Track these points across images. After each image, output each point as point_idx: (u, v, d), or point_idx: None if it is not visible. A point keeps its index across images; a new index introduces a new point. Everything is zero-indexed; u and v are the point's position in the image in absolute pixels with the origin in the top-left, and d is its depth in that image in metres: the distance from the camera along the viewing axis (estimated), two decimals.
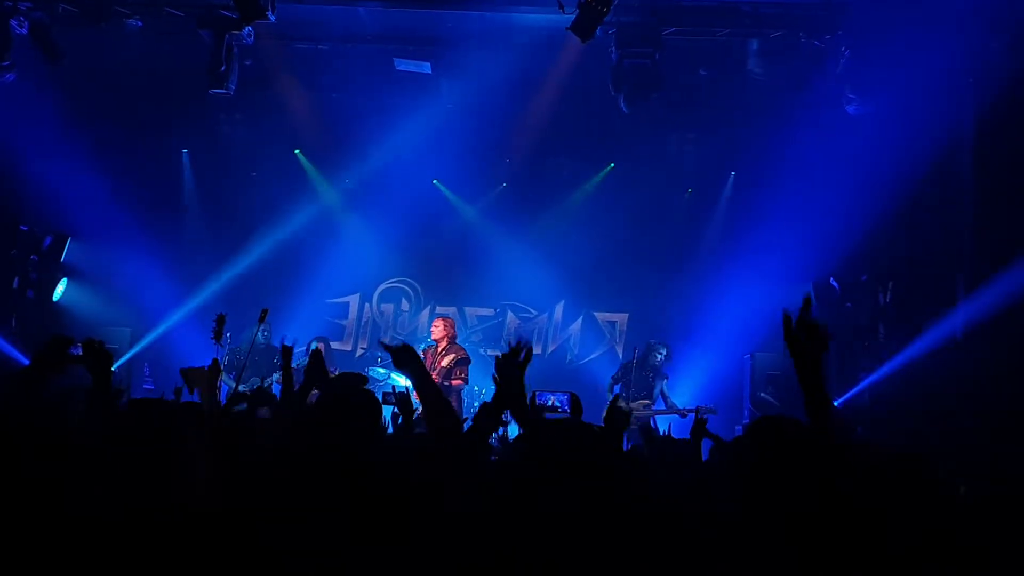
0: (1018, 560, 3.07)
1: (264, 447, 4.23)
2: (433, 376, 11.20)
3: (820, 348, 3.14)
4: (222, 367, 11.33)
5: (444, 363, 11.64)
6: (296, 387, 5.01)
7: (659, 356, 12.60)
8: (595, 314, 15.20)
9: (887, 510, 3.09)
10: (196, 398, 5.92)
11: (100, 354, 4.18)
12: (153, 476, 3.33)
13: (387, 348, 3.86)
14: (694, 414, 11.77)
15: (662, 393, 12.45)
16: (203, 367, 5.14)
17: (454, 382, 11.60)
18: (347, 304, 15.31)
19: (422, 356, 11.68)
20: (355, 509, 3.15)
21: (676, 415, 12.06)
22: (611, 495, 3.09)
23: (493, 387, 3.72)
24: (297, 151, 14.84)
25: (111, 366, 4.24)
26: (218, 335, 7.65)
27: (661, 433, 7.42)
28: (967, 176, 10.74)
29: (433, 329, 11.90)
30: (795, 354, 3.15)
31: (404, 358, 3.83)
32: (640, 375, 12.38)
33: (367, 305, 15.34)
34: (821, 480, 2.85)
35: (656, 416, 12.21)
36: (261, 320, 9.03)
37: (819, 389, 3.10)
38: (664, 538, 3.03)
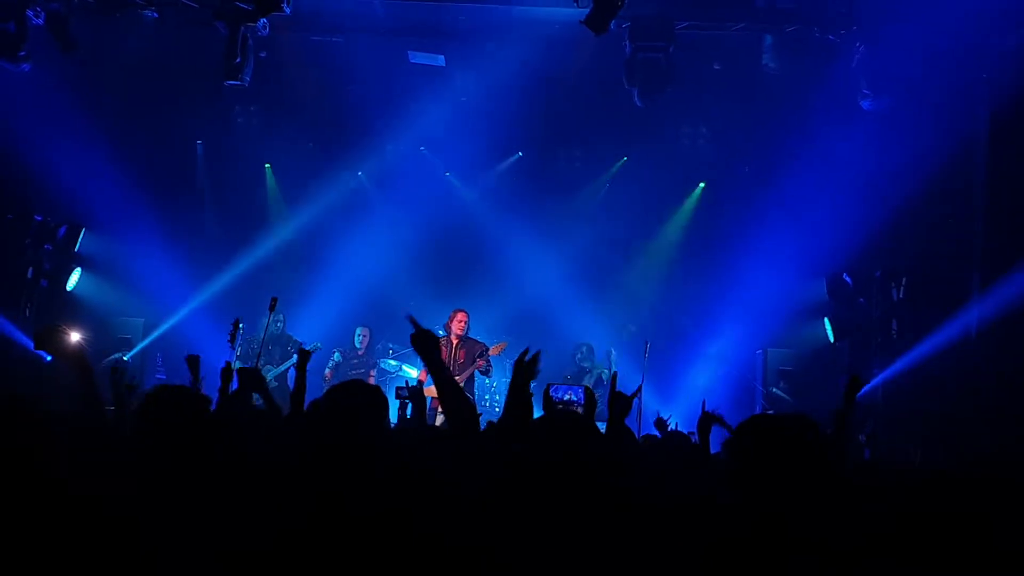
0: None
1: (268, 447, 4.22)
2: (453, 371, 11.27)
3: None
4: (236, 356, 11.52)
5: (462, 359, 11.64)
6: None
7: (578, 356, 13.08)
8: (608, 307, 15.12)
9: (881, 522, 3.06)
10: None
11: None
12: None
13: (412, 322, 3.84)
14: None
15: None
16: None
17: (479, 362, 11.66)
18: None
19: None
20: (364, 504, 3.15)
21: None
22: (610, 490, 3.11)
23: (507, 381, 3.73)
24: (310, 143, 14.87)
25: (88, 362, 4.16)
26: (233, 338, 7.76)
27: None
28: (981, 172, 10.71)
29: (461, 323, 11.78)
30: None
31: (423, 341, 3.82)
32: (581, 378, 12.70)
33: None
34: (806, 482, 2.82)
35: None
36: (271, 309, 9.10)
37: None
38: (658, 531, 3.04)
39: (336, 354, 12.84)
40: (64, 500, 3.13)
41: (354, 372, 12.54)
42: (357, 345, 13.00)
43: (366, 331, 13.00)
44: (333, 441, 3.36)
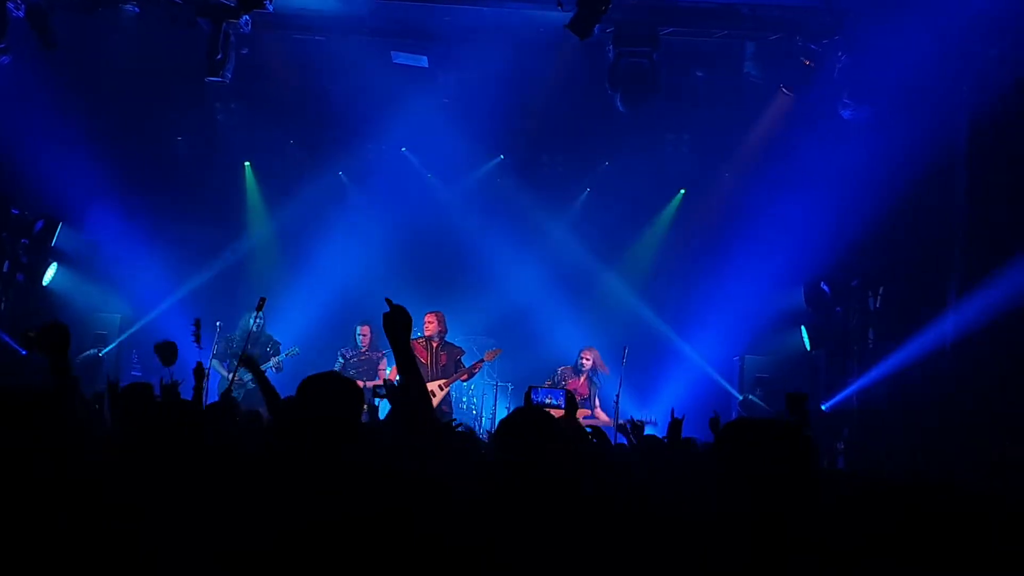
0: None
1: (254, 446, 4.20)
2: (433, 376, 11.29)
3: None
4: (213, 355, 11.44)
5: (444, 361, 11.66)
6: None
7: (584, 363, 12.37)
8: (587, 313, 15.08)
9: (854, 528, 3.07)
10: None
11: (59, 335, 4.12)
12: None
13: (388, 302, 3.67)
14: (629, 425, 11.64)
15: (596, 401, 12.41)
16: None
17: (463, 377, 11.82)
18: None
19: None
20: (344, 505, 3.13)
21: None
22: (588, 491, 3.11)
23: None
24: (291, 141, 14.82)
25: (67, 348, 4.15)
26: (198, 339, 7.78)
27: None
28: (960, 183, 10.75)
29: (428, 324, 11.76)
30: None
31: (397, 322, 3.65)
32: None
33: None
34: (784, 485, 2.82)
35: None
36: (259, 308, 9.07)
37: None
38: (639, 535, 3.04)
39: (339, 359, 12.55)
40: (60, 496, 3.12)
41: (355, 372, 12.22)
42: (359, 344, 12.68)
43: (367, 328, 12.62)
44: (310, 438, 3.35)
